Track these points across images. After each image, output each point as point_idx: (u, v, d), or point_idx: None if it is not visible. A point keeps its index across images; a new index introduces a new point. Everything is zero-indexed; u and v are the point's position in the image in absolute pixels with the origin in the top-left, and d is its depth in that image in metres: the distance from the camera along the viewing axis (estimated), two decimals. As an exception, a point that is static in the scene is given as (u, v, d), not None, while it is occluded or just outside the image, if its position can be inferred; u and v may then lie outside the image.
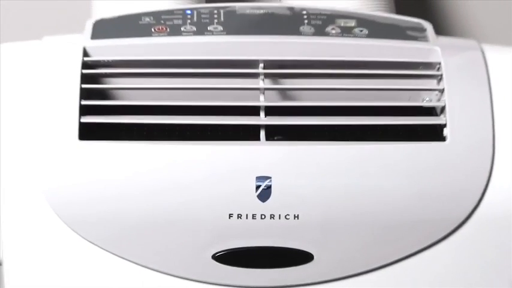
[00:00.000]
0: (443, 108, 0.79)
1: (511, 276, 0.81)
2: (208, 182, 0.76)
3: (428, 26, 0.86)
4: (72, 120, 0.76)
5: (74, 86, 0.77)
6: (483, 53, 0.83)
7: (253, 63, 0.80)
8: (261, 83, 0.79)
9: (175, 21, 0.84)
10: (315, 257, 0.77)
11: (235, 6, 0.86)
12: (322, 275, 0.79)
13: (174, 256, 0.78)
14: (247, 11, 0.86)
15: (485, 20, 1.26)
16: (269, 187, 0.76)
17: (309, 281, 0.79)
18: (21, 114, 0.78)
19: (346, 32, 0.84)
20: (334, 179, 0.77)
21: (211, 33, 0.83)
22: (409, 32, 0.85)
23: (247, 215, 0.76)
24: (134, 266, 0.78)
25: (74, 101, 0.76)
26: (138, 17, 0.84)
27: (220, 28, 0.83)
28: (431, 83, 0.81)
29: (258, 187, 0.76)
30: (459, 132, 0.78)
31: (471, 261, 0.80)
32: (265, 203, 0.76)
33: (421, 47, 0.83)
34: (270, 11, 0.86)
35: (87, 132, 0.77)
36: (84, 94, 0.77)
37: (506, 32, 1.25)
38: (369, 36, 0.84)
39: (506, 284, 0.81)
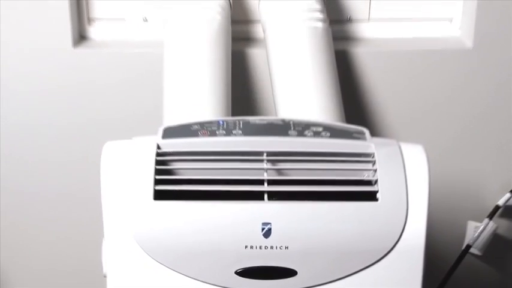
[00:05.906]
0: (376, 181, 0.92)
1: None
2: (232, 226, 0.90)
3: (366, 130, 0.98)
4: (149, 188, 0.92)
5: (151, 167, 0.93)
6: (400, 147, 0.96)
7: (260, 153, 0.94)
8: (264, 165, 0.93)
9: (213, 127, 0.97)
10: (298, 273, 0.91)
11: (249, 119, 0.99)
12: (303, 284, 0.92)
13: (212, 272, 0.91)
14: (257, 121, 0.99)
15: (399, 126, 1.42)
16: (270, 229, 0.90)
17: (294, 288, 0.91)
18: (118, 186, 0.92)
19: (316, 134, 0.96)
20: (309, 224, 0.90)
21: (235, 134, 0.96)
22: (355, 134, 0.98)
23: (256, 246, 0.90)
24: (187, 279, 0.92)
25: (150, 176, 0.93)
26: (190, 125, 0.99)
27: (240, 131, 0.96)
28: (369, 165, 0.94)
29: (263, 229, 0.90)
30: (386, 196, 0.92)
31: (393, 277, 0.92)
32: (267, 239, 0.90)
33: (362, 144, 0.96)
34: (270, 121, 0.99)
35: (159, 195, 0.91)
36: (157, 172, 0.92)
37: (411, 133, 1.42)
38: (330, 137, 0.97)
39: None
